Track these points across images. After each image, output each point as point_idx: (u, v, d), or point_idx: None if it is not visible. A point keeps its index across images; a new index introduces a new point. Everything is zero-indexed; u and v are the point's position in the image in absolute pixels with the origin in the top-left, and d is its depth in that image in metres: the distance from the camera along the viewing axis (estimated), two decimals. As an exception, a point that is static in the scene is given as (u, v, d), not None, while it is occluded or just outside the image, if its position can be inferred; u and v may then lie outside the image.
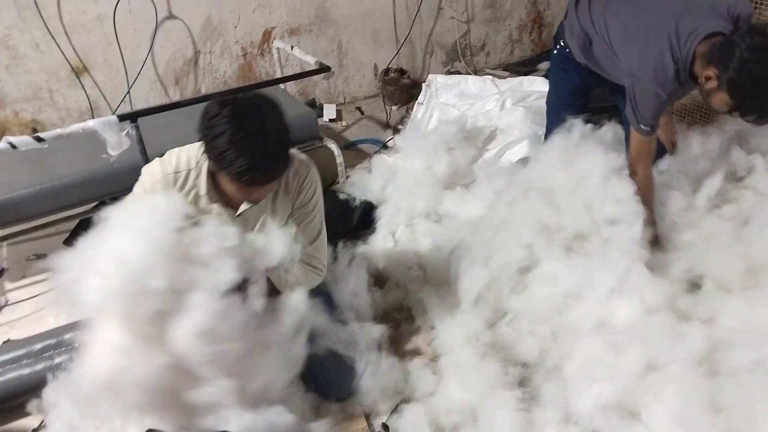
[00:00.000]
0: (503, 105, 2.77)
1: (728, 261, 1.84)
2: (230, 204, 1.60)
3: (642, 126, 1.89)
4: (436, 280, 2.12)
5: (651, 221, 1.93)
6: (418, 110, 3.11)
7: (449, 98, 2.95)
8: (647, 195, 1.96)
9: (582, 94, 2.33)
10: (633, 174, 1.95)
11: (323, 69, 2.76)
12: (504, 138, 2.64)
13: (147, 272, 1.28)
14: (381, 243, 2.42)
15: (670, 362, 1.48)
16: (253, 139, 1.34)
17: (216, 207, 1.60)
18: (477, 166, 2.57)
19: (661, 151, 2.22)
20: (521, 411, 1.60)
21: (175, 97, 3.63)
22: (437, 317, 1.96)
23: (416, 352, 1.97)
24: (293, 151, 1.57)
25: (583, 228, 1.88)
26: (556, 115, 2.29)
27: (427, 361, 1.89)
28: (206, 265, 1.36)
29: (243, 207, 1.59)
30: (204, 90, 3.70)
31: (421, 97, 3.17)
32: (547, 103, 2.44)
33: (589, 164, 1.95)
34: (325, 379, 1.76)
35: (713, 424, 1.37)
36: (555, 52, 2.34)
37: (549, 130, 2.34)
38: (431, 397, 1.75)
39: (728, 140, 2.30)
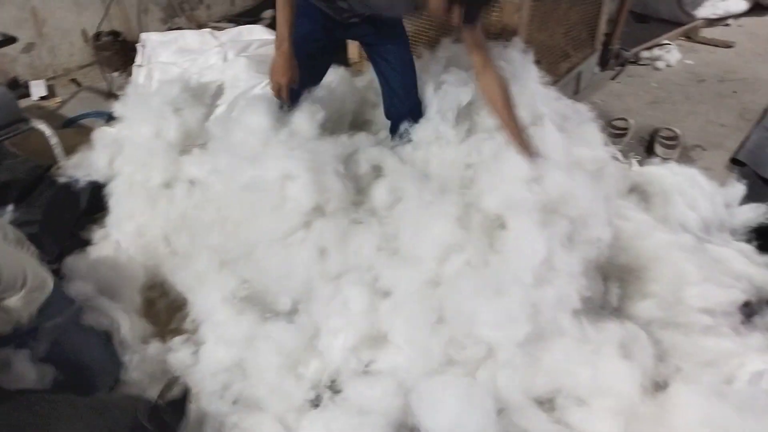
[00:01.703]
0: (225, 57, 2.69)
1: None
2: None
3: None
4: (183, 251, 2.04)
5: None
6: (139, 73, 2.89)
7: (169, 56, 2.77)
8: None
9: (319, 48, 2.05)
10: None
11: (7, 41, 2.40)
12: (232, 91, 2.58)
13: None
14: (119, 223, 2.25)
15: (398, 286, 1.65)
16: None
17: None
18: (210, 124, 2.49)
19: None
20: (283, 355, 1.66)
21: None
22: (188, 288, 1.91)
23: (177, 331, 1.90)
24: None
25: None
26: None
27: (188, 335, 1.84)
28: None
29: None
30: None
31: (138, 59, 2.95)
32: None
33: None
34: (90, 370, 1.64)
35: (438, 330, 1.58)
36: None
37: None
38: (195, 366, 1.73)
39: (442, 66, 2.46)
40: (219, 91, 2.59)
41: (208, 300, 1.83)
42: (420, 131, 2.19)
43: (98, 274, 2.04)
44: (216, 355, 1.73)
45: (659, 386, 1.55)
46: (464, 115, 2.22)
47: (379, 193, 1.99)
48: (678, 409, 1.38)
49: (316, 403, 1.61)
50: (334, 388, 1.64)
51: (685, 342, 1.65)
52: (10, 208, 2.12)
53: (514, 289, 1.52)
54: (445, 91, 2.22)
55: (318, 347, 1.67)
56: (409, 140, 2.20)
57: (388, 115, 2.29)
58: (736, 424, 1.27)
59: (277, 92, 1.99)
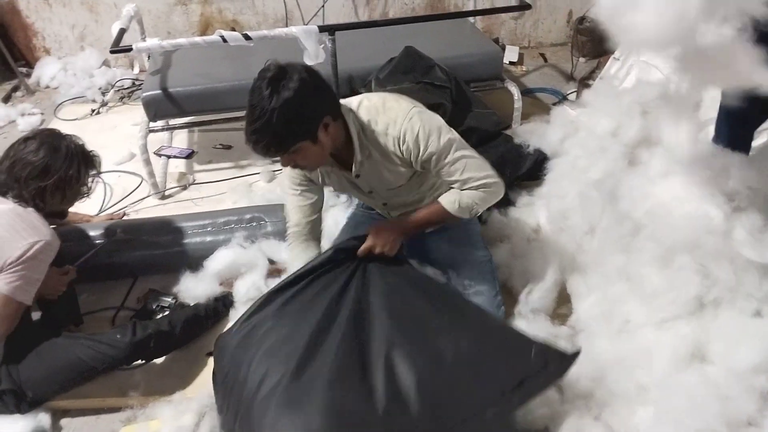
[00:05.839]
0: (714, 75, 2.47)
1: None
2: (345, 167, 1.64)
3: None
4: (592, 254, 2.00)
5: None
6: (613, 65, 2.88)
7: (652, 57, 2.68)
8: None
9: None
10: None
11: (523, 6, 2.62)
12: (709, 112, 2.37)
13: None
14: (548, 199, 2.33)
15: None
16: (250, 113, 1.39)
17: (334, 170, 1.68)
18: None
19: None
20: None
21: (364, 16, 3.68)
22: (576, 289, 1.90)
23: (562, 318, 1.92)
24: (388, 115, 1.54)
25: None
26: (724, 119, 1.98)
27: (572, 333, 1.83)
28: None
29: (355, 170, 1.62)
30: (392, 14, 3.71)
31: (618, 52, 2.93)
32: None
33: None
34: None
35: None
36: None
37: (717, 135, 2.02)
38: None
39: None
40: (694, 108, 2.41)
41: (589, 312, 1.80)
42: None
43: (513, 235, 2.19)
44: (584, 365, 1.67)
45: None
46: None
47: None
48: None
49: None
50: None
51: None
52: (468, 150, 2.37)
53: None
54: None
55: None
56: None
57: None
58: None
59: None
